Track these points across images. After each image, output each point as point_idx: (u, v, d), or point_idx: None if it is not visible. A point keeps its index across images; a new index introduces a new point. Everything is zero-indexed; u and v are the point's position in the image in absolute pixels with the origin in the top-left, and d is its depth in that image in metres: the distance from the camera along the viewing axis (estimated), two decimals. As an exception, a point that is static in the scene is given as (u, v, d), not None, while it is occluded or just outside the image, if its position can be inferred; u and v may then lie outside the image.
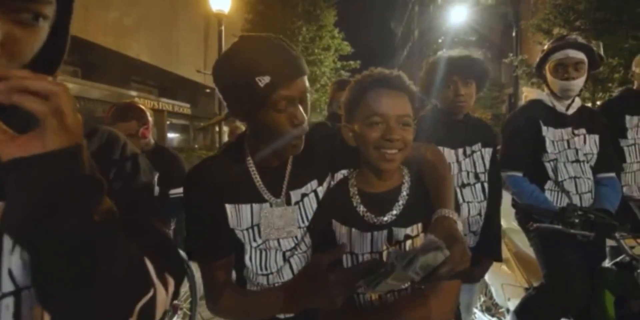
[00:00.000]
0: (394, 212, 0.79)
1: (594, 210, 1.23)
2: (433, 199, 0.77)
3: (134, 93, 9.87)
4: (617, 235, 1.15)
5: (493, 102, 17.71)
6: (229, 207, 0.80)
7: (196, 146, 11.20)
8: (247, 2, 9.49)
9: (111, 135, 0.56)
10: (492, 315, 1.90)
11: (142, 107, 1.81)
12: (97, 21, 7.16)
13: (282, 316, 0.83)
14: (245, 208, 0.80)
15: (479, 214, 1.40)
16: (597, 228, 1.16)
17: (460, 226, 0.70)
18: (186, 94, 11.65)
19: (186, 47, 10.39)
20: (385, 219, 0.78)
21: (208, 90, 11.53)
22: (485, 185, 1.41)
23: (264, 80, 0.68)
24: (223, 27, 6.61)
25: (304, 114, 0.74)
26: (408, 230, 0.78)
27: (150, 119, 1.81)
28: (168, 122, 11.75)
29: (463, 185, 1.38)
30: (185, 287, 2.16)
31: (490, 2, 23.07)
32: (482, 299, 2.00)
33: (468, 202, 1.37)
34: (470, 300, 1.55)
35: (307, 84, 0.76)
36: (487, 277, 1.93)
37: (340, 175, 0.88)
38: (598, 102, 9.52)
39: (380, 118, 0.76)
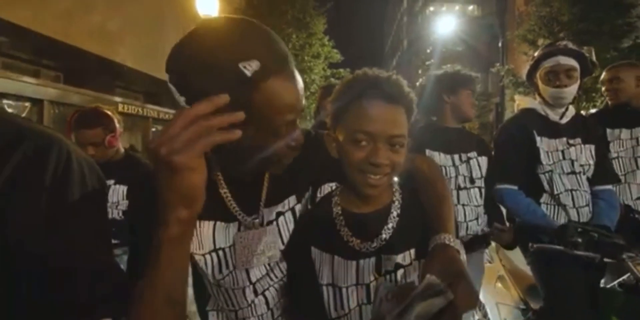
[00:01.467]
0: (383, 236, 0.67)
1: (596, 228, 1.14)
2: (430, 220, 0.66)
3: (118, 99, 9.63)
4: (624, 256, 1.06)
5: (481, 111, 18.00)
6: None
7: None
8: (235, 8, 9.46)
9: (41, 146, 0.44)
10: (486, 335, 1.79)
11: (109, 112, 1.66)
12: (81, 26, 7.01)
13: None
14: (207, 225, 0.64)
15: (476, 219, 1.43)
16: (602, 248, 1.07)
17: (463, 255, 0.60)
18: (172, 100, 11.41)
19: (173, 52, 10.23)
20: (373, 244, 0.66)
21: (195, 97, 11.36)
22: (482, 190, 1.48)
23: (251, 67, 0.48)
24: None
25: (301, 133, 0.60)
26: (399, 258, 0.66)
27: (117, 125, 1.66)
28: (153, 129, 11.51)
29: (459, 188, 1.43)
30: (193, 307, 2.00)
31: (476, 13, 23.65)
32: (477, 317, 1.89)
33: (463, 205, 1.42)
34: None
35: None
36: (481, 295, 1.83)
37: (327, 187, 0.75)
38: (582, 112, 9.73)
39: (367, 137, 0.63)
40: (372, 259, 0.66)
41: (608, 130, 1.82)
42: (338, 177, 0.73)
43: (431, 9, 28.76)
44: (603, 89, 1.94)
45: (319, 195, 0.75)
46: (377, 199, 0.70)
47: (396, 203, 0.70)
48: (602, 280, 1.39)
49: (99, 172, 0.49)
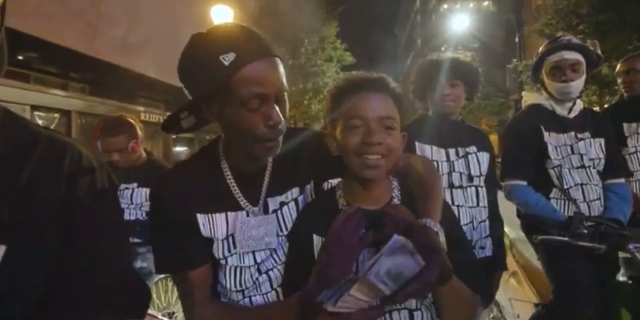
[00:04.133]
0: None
1: (603, 220, 1.14)
2: (418, 211, 0.70)
3: (141, 108, 10.01)
4: (631, 246, 1.06)
5: (500, 109, 17.59)
6: (200, 218, 0.73)
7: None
8: (250, 16, 9.68)
9: (56, 148, 0.48)
10: (502, 332, 1.79)
11: (131, 120, 1.78)
12: (104, 39, 7.34)
13: None
14: (220, 217, 0.73)
15: (471, 222, 1.31)
16: (608, 239, 1.07)
17: (442, 238, 0.63)
18: (192, 108, 11.78)
19: (191, 62, 10.55)
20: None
21: (213, 104, 11.65)
22: (480, 189, 1.35)
23: (228, 58, 0.61)
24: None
25: (281, 115, 0.66)
26: None
27: (140, 132, 1.78)
28: (174, 136, 11.86)
29: (453, 187, 1.32)
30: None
31: (492, 9, 23.17)
32: (491, 315, 1.89)
33: (458, 206, 1.30)
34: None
35: (285, 81, 0.68)
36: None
37: (328, 185, 0.82)
38: (606, 106, 9.39)
39: (360, 121, 0.70)
40: (373, 249, 0.70)
41: (625, 125, 1.78)
42: (340, 174, 0.79)
43: (445, 6, 28.39)
44: (619, 80, 1.90)
45: (314, 190, 0.81)
46: (377, 192, 0.75)
47: (395, 199, 0.76)
48: (620, 274, 1.38)
49: (109, 172, 0.54)
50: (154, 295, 2.01)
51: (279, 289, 0.77)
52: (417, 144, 1.34)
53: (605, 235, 1.06)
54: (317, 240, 0.74)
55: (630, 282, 1.12)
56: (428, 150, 1.35)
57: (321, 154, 0.77)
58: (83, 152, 0.50)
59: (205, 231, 0.73)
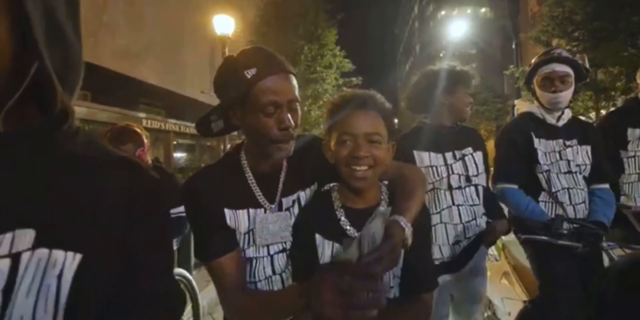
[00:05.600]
0: None
1: (582, 221, 1.22)
2: (394, 209, 0.78)
3: (142, 115, 10.13)
4: (605, 245, 1.14)
5: (498, 114, 17.74)
6: (227, 212, 0.83)
7: (202, 165, 11.34)
8: (250, 24, 9.83)
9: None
10: (497, 331, 1.86)
11: (137, 129, 1.86)
12: (105, 47, 7.46)
13: None
14: (243, 213, 0.84)
15: (474, 219, 1.38)
16: (584, 239, 1.15)
17: (408, 232, 0.73)
18: (192, 115, 11.92)
19: (192, 69, 10.72)
20: None
21: (214, 110, 11.77)
22: (479, 188, 1.41)
23: (250, 72, 0.76)
24: (227, 49, 6.83)
25: (292, 120, 0.78)
26: None
27: (146, 140, 1.87)
28: (174, 142, 11.96)
29: (452, 188, 1.38)
30: (188, 306, 2.16)
31: (489, 16, 23.50)
32: (486, 314, 1.96)
33: (458, 205, 1.37)
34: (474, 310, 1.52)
35: (297, 93, 0.80)
36: (488, 291, 1.91)
37: (327, 188, 0.91)
38: (602, 111, 9.50)
39: (349, 136, 0.79)
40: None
41: (629, 129, 1.82)
42: (337, 179, 0.88)
43: (442, 13, 28.78)
44: None
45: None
46: (367, 196, 0.84)
47: (383, 202, 0.85)
48: None
49: (159, 186, 0.54)
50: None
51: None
52: (415, 152, 1.39)
53: (582, 235, 1.15)
54: (319, 239, 0.82)
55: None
56: (426, 157, 1.39)
57: (324, 159, 0.86)
58: (144, 169, 0.51)
59: (231, 224, 0.83)
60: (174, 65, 10.09)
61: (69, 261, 0.42)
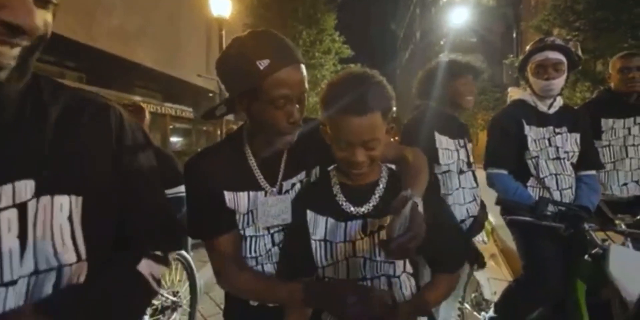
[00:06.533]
0: (371, 203, 0.82)
1: (565, 204, 1.28)
2: (404, 185, 0.79)
3: (138, 98, 10.01)
4: (586, 226, 1.20)
5: (495, 104, 17.69)
6: (227, 194, 0.85)
7: (198, 150, 11.33)
8: (247, 6, 9.63)
9: (120, 115, 0.57)
10: (482, 310, 1.94)
11: (142, 105, 2.02)
12: (101, 28, 7.32)
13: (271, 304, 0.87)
14: (243, 195, 0.86)
15: (474, 200, 1.56)
16: (566, 220, 1.21)
17: (420, 206, 0.71)
18: (189, 99, 11.81)
19: (188, 51, 10.53)
20: (363, 209, 0.82)
21: (210, 95, 11.67)
22: (475, 173, 1.60)
23: (263, 64, 0.73)
24: (224, 32, 6.73)
25: (300, 114, 0.79)
26: (383, 221, 0.80)
27: (147, 116, 1.99)
28: (171, 126, 11.87)
29: (461, 172, 1.55)
30: (185, 285, 2.23)
31: (491, 4, 23.10)
32: (473, 295, 2.05)
33: (463, 188, 1.54)
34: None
35: (306, 85, 0.80)
36: (475, 272, 1.99)
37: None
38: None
39: (345, 143, 0.77)
40: (360, 221, 0.82)
41: (602, 120, 1.91)
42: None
43: None
44: (629, 75, 1.84)
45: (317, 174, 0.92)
46: (366, 176, 0.84)
47: (383, 179, 0.86)
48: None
49: (143, 129, 0.62)
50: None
51: None
52: (436, 133, 1.52)
53: (565, 216, 1.20)
54: (309, 215, 0.85)
55: (589, 259, 1.26)
56: (444, 140, 1.54)
57: (326, 144, 0.86)
58: (122, 112, 0.58)
59: (230, 205, 0.85)
60: (170, 48, 9.92)
61: (73, 204, 0.47)
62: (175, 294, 2.17)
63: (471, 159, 1.61)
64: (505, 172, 1.62)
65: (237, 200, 0.85)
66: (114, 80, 8.66)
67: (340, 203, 0.84)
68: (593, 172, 1.63)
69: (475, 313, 1.95)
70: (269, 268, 0.89)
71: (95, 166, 0.51)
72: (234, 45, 0.78)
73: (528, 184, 1.59)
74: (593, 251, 1.25)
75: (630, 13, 8.38)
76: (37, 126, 0.48)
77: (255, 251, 0.89)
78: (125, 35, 7.98)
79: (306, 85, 0.80)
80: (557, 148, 1.58)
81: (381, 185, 0.85)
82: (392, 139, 0.90)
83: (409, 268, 0.83)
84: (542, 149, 1.59)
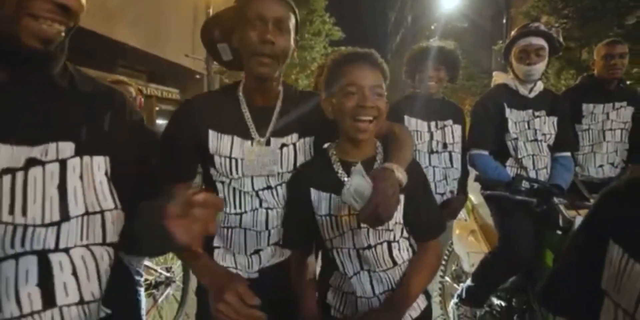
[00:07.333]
0: None
1: (539, 180, 1.39)
2: (388, 157, 0.85)
3: (121, 78, 9.71)
4: (555, 200, 1.31)
5: (483, 89, 17.76)
6: (211, 133, 0.87)
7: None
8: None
9: (116, 91, 0.70)
10: (462, 282, 2.08)
11: (126, 80, 2.00)
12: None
13: (245, 276, 0.89)
14: (227, 138, 0.88)
15: (445, 179, 1.65)
16: (539, 195, 1.32)
17: (399, 174, 0.78)
18: (175, 80, 11.55)
19: (175, 31, 10.22)
20: None
21: (197, 76, 11.43)
22: (453, 154, 1.68)
23: None
24: (211, 10, 6.56)
25: (276, 39, 0.83)
26: None
27: (133, 92, 1.94)
28: (157, 108, 11.64)
29: (432, 152, 1.65)
30: (178, 261, 2.30)
31: (482, -12, 22.85)
32: (453, 268, 2.18)
33: (434, 167, 1.63)
34: None
35: (291, 21, 0.86)
36: (455, 247, 2.11)
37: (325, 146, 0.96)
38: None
39: (356, 88, 0.82)
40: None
41: (584, 105, 2.02)
42: (334, 136, 0.93)
43: (436, -18, 27.87)
44: (612, 62, 1.94)
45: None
46: (364, 150, 0.89)
47: (379, 155, 0.91)
48: None
49: (139, 111, 0.75)
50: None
51: (273, 231, 0.92)
52: (405, 116, 1.66)
53: (537, 192, 1.31)
54: (314, 193, 0.89)
55: (559, 232, 1.37)
56: (414, 122, 1.66)
57: (323, 116, 0.89)
58: (127, 95, 0.73)
59: (211, 147, 0.87)
60: (155, 27, 9.60)
61: (107, 163, 0.60)
62: (168, 269, 2.24)
63: (452, 140, 1.68)
64: (486, 152, 1.70)
65: (221, 141, 0.87)
66: (96, 60, 8.38)
67: (342, 179, 0.87)
68: (568, 153, 1.73)
69: (455, 285, 2.09)
70: (253, 235, 0.91)
71: (117, 134, 0.63)
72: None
73: (507, 164, 1.69)
74: (562, 224, 1.36)
75: (617, 1, 8.48)
76: (74, 99, 0.60)
77: (240, 207, 0.90)
78: (106, 12, 7.68)
79: (287, 17, 0.85)
80: (536, 130, 1.67)
81: (378, 161, 0.90)
82: None
83: (405, 233, 0.91)
84: (521, 131, 1.68)
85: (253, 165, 0.88)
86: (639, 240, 0.46)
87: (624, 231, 0.47)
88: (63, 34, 0.54)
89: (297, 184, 0.92)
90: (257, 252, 0.93)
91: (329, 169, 0.89)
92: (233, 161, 0.89)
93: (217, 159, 0.89)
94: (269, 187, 0.91)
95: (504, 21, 12.92)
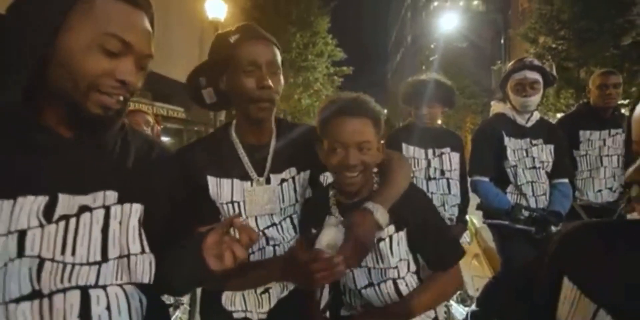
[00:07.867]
0: None
1: (537, 209, 1.45)
2: (374, 195, 0.85)
3: (139, 107, 9.92)
4: (552, 228, 1.37)
5: (484, 108, 18.05)
6: (210, 179, 0.87)
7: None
8: (242, 9, 9.69)
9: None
10: (467, 306, 2.10)
11: (145, 110, 2.12)
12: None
13: (255, 317, 0.90)
14: (227, 182, 0.87)
15: (443, 205, 1.71)
16: (537, 223, 1.38)
17: (380, 217, 0.79)
18: (180, 99, 11.78)
19: (181, 52, 10.52)
20: None
21: (203, 95, 11.65)
22: (450, 181, 1.76)
23: (234, 37, 0.85)
24: (219, 30, 6.78)
25: (272, 84, 0.84)
26: (382, 233, 0.85)
27: (150, 119, 2.06)
28: (162, 127, 11.83)
29: (429, 178, 1.73)
30: None
31: (480, 9, 23.54)
32: (458, 292, 2.20)
33: (432, 193, 1.71)
34: None
35: (278, 60, 0.87)
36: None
37: (324, 179, 0.98)
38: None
39: (340, 145, 0.82)
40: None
41: (581, 132, 2.11)
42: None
43: (435, 4, 28.72)
44: (607, 91, 2.02)
45: (319, 182, 0.98)
46: (360, 193, 0.89)
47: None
48: None
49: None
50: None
51: None
52: (403, 144, 1.75)
53: (535, 221, 1.37)
54: (314, 231, 0.86)
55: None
56: (412, 150, 1.76)
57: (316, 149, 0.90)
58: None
59: (212, 193, 0.87)
60: (161, 46, 9.82)
61: (141, 210, 0.66)
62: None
63: (449, 167, 1.76)
64: (486, 179, 1.77)
65: (220, 186, 0.87)
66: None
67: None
68: (565, 180, 1.79)
69: (460, 309, 2.11)
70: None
71: (154, 184, 0.71)
72: (216, 36, 0.91)
73: (507, 190, 1.75)
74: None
75: (613, 23, 8.71)
76: (123, 155, 0.68)
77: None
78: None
79: (277, 60, 0.87)
80: (534, 158, 1.74)
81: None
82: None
83: (413, 267, 0.89)
84: (520, 158, 1.75)
85: (255, 206, 0.89)
86: (590, 278, 0.52)
87: (578, 270, 0.53)
88: (122, 103, 0.63)
89: (304, 224, 0.94)
90: (266, 290, 0.92)
91: (327, 210, 0.89)
92: (236, 204, 0.89)
93: (219, 205, 0.89)
94: (273, 224, 0.91)
95: (502, 42, 13.24)
